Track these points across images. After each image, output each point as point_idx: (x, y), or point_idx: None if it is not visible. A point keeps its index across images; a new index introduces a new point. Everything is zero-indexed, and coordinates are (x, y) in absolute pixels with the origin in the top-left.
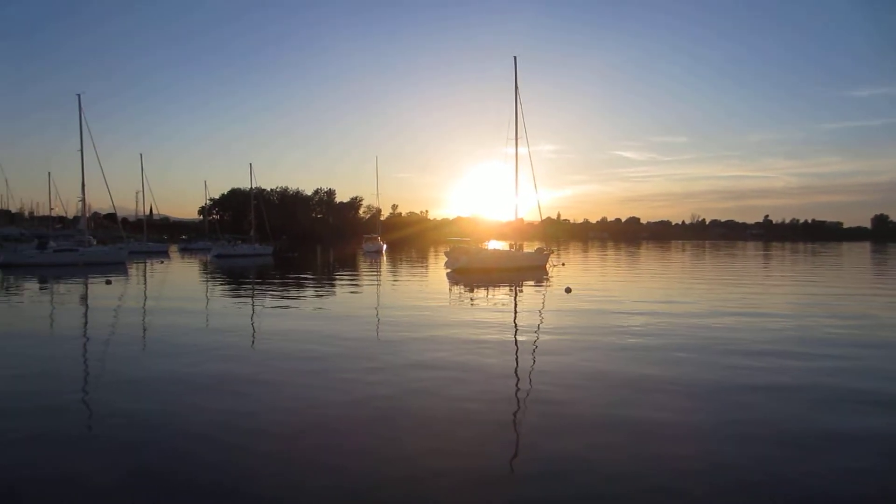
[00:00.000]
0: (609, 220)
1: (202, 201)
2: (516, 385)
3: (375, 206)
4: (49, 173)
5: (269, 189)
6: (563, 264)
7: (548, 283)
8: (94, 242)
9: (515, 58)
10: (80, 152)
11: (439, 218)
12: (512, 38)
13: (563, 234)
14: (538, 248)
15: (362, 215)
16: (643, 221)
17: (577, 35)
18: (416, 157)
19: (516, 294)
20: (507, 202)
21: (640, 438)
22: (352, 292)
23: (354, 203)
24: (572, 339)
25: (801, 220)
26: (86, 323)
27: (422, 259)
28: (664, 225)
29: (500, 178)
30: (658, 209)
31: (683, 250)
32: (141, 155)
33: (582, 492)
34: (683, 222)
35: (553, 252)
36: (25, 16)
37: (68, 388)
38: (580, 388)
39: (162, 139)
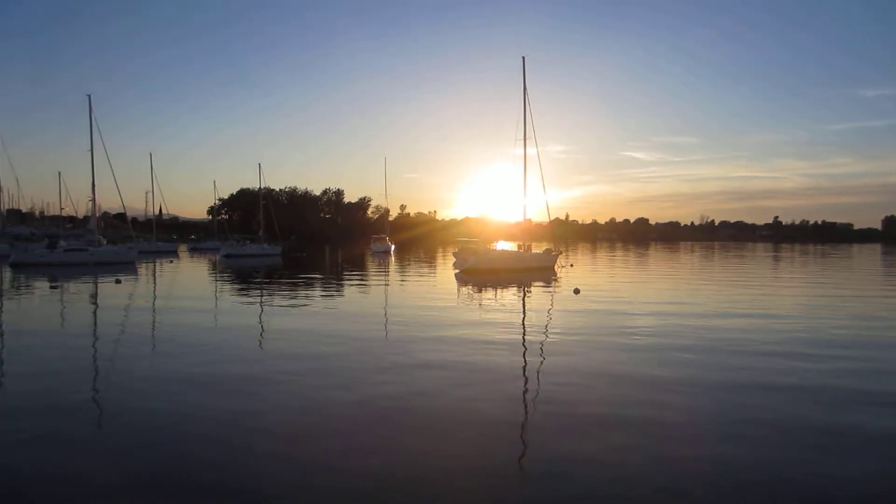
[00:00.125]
0: (617, 220)
1: (211, 201)
2: (524, 385)
3: (384, 206)
4: (59, 173)
5: (277, 189)
6: (572, 265)
7: (556, 284)
8: (104, 242)
9: (524, 58)
10: (90, 152)
11: (447, 218)
12: (520, 39)
13: (571, 234)
14: (546, 249)
15: (371, 216)
16: (652, 222)
17: (586, 35)
18: (425, 158)
19: (525, 295)
20: (515, 203)
21: (648, 439)
22: (360, 292)
23: (363, 203)
24: (580, 340)
25: (811, 222)
26: (95, 322)
27: (430, 260)
28: (673, 226)
29: (508, 179)
30: (667, 210)
31: (692, 251)
32: (151, 154)
33: (589, 492)
34: (692, 223)
35: (561, 253)
36: (33, 15)
37: (76, 388)
38: (587, 388)
39: (171, 139)
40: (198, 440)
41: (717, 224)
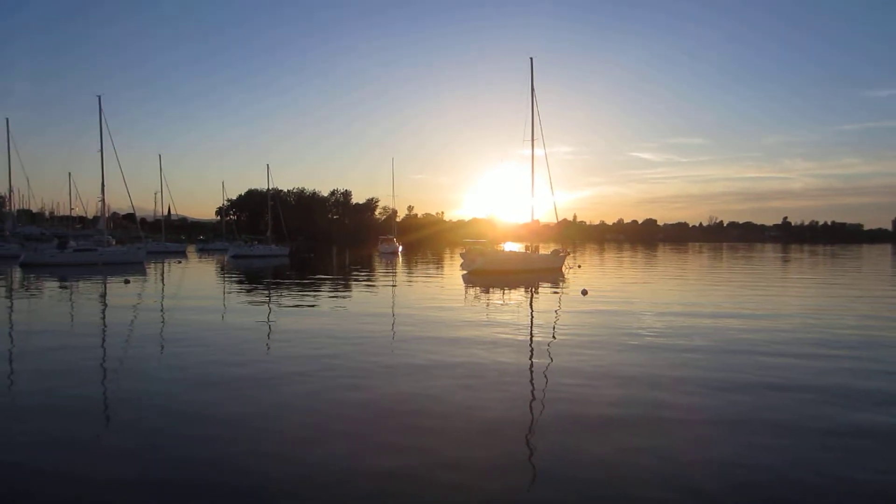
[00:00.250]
0: (625, 221)
1: (219, 202)
2: (532, 385)
3: (391, 207)
4: (70, 173)
5: (285, 190)
6: (580, 266)
7: (564, 286)
8: (113, 242)
9: (532, 59)
10: (100, 153)
11: (455, 219)
12: (528, 40)
13: (579, 235)
14: (554, 251)
15: (378, 216)
16: (660, 223)
17: (594, 37)
18: (432, 159)
19: (532, 296)
20: (523, 204)
21: (658, 439)
22: (368, 293)
23: (370, 204)
24: (588, 341)
25: (821, 222)
26: (103, 322)
27: (437, 261)
28: (681, 227)
29: (515, 180)
30: (675, 211)
31: (700, 252)
32: (160, 156)
33: (600, 493)
34: (701, 224)
35: (569, 254)
36: (42, 15)
37: (82, 387)
38: (595, 389)
39: (179, 139)
40: (203, 440)
41: (725, 225)
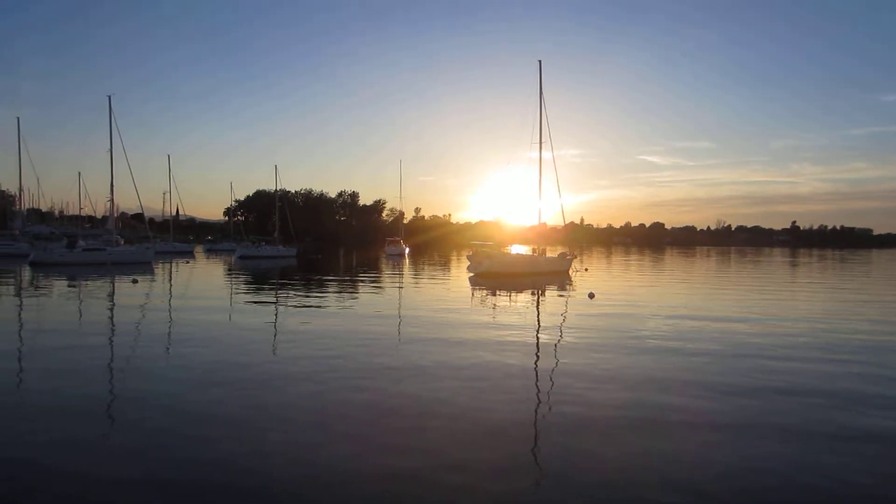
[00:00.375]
0: (633, 225)
1: (227, 202)
2: (538, 386)
3: (398, 209)
4: (79, 173)
5: (293, 191)
6: (587, 269)
7: (571, 289)
8: (122, 242)
9: (540, 62)
10: (109, 153)
11: (462, 221)
12: (536, 43)
13: (586, 239)
14: (561, 253)
15: (385, 218)
16: (667, 227)
17: (602, 40)
18: (440, 161)
19: (539, 299)
20: (530, 206)
21: (666, 442)
22: (375, 295)
23: (378, 206)
24: (594, 344)
25: (830, 227)
26: (111, 321)
27: (444, 263)
28: (689, 230)
29: (523, 182)
30: (682, 214)
31: (708, 256)
32: (168, 156)
33: (608, 494)
34: (708, 228)
35: (576, 257)
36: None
37: (89, 387)
38: (602, 391)
39: (188, 140)
40: (208, 440)
41: (733, 229)
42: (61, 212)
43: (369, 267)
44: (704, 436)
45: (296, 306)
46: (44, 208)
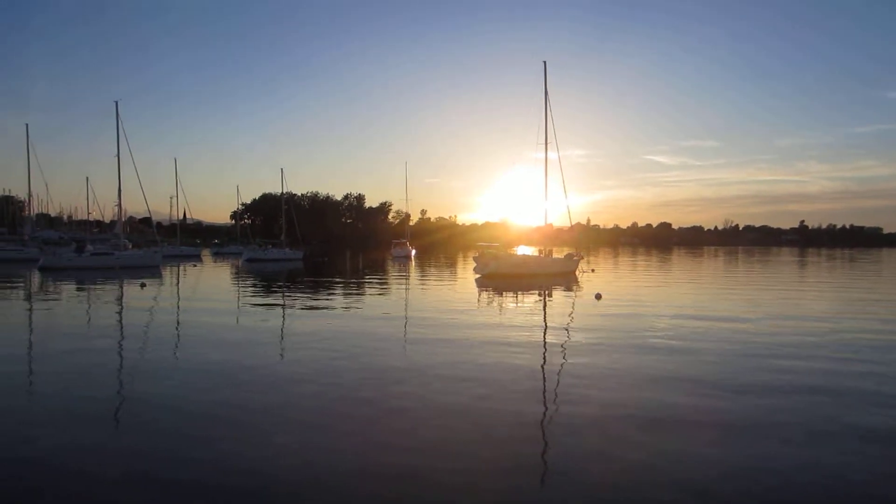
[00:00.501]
0: (640, 225)
1: (234, 206)
2: (544, 386)
3: (404, 211)
4: (87, 178)
5: (299, 194)
6: (593, 270)
7: (577, 290)
8: (130, 246)
9: (545, 62)
10: (116, 157)
11: (468, 223)
12: (541, 43)
13: (592, 239)
14: (568, 254)
15: (391, 220)
16: (675, 227)
17: (607, 40)
18: (446, 162)
19: (545, 300)
20: (536, 207)
21: (671, 443)
22: (381, 296)
23: (383, 208)
24: (601, 345)
25: (839, 226)
26: (119, 325)
27: (450, 264)
28: (696, 230)
29: (529, 183)
30: (690, 214)
31: (716, 256)
32: (175, 160)
33: (616, 495)
34: (716, 228)
35: (583, 258)
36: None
37: (96, 389)
38: (608, 392)
39: (195, 144)
40: (212, 441)
41: (741, 228)
42: (70, 217)
43: (376, 269)
44: (713, 434)
45: (302, 308)
46: (52, 213)
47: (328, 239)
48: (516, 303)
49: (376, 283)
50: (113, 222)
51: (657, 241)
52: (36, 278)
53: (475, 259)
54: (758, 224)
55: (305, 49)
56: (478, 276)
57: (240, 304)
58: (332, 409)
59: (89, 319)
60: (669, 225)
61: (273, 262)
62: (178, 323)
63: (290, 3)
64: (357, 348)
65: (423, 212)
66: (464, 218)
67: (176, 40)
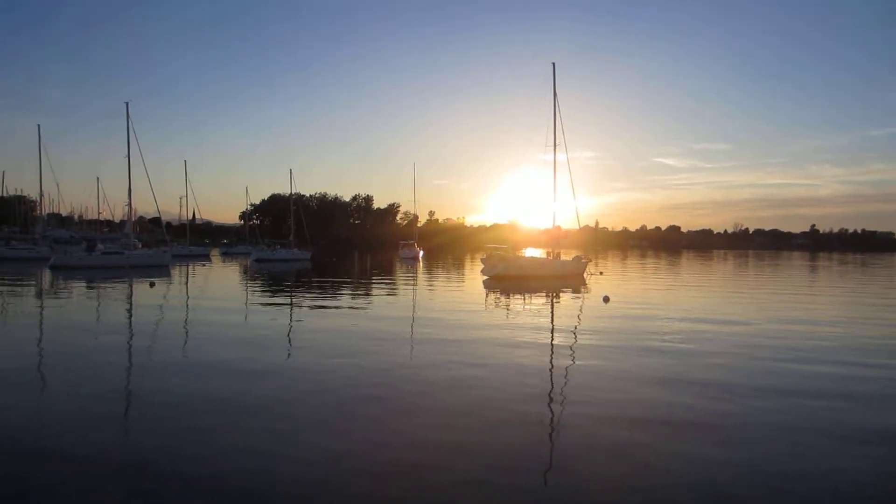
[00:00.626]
0: (649, 228)
1: (243, 206)
2: (551, 387)
3: (412, 212)
4: (98, 178)
5: (308, 195)
6: (601, 273)
7: (585, 292)
8: (140, 246)
9: (554, 64)
10: (126, 158)
11: (476, 225)
12: (550, 45)
13: (601, 242)
14: (576, 257)
15: (399, 221)
16: (684, 230)
17: (616, 42)
18: (454, 164)
19: (553, 302)
20: (544, 209)
21: (680, 444)
22: (389, 297)
23: (392, 209)
24: (609, 347)
25: (850, 230)
26: (129, 323)
27: (458, 266)
28: (706, 233)
29: (537, 185)
30: (699, 217)
31: (725, 260)
32: (185, 161)
33: (623, 496)
34: (726, 231)
35: (591, 260)
36: (70, 23)
37: (105, 386)
38: (616, 394)
39: (204, 145)
40: (216, 441)
41: (751, 232)
42: (80, 216)
43: (384, 270)
44: (722, 436)
45: (310, 308)
46: (63, 213)
47: (336, 240)
48: (524, 305)
49: (384, 283)
50: (123, 222)
51: (666, 244)
52: (47, 277)
53: (483, 261)
54: (768, 228)
55: (314, 50)
56: (485, 277)
57: (248, 304)
58: (338, 409)
59: (99, 317)
60: (678, 228)
61: (281, 263)
62: (186, 321)
63: (299, 4)
64: (364, 348)
65: (431, 213)
66: (472, 220)
67: (185, 42)
